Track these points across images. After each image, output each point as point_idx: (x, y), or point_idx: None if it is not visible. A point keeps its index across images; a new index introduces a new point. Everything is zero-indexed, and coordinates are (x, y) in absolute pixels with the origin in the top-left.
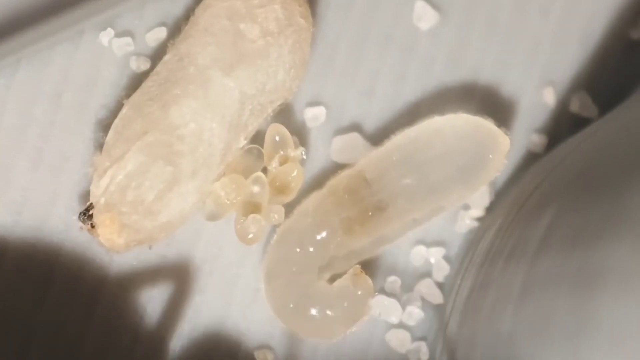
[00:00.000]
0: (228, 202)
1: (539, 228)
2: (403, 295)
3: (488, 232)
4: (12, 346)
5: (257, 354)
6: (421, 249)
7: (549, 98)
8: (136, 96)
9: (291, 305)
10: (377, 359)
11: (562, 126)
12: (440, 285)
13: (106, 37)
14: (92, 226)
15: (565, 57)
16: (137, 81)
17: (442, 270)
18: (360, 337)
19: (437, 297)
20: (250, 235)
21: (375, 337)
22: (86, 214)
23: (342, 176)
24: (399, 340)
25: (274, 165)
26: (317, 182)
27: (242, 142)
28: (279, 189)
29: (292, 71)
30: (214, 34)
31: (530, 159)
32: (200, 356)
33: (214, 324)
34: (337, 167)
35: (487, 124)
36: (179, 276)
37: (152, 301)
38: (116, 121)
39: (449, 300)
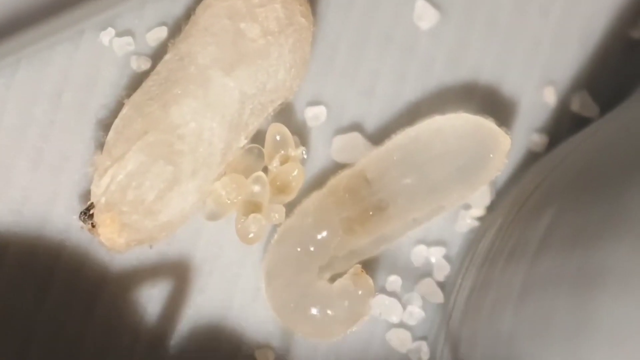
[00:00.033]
0: (228, 202)
1: (539, 228)
2: (404, 294)
3: (488, 231)
4: (13, 345)
5: (257, 354)
6: (422, 248)
7: (550, 97)
8: (137, 96)
9: (292, 305)
10: (378, 358)
11: (563, 126)
12: (440, 285)
13: (107, 36)
14: (93, 226)
15: (566, 56)
16: (137, 81)
17: (442, 270)
18: (360, 336)
19: (437, 297)
20: (251, 235)
21: (376, 336)
22: (87, 214)
23: (343, 176)
24: (400, 340)
25: (274, 165)
26: (318, 182)
27: (243, 141)
28: (280, 189)
29: (292, 70)
30: (215, 33)
31: (531, 159)
32: (201, 355)
33: (214, 323)
34: (337, 167)
35: (487, 124)
36: (179, 275)
37: (152, 300)
38: (117, 121)
39: (449, 299)
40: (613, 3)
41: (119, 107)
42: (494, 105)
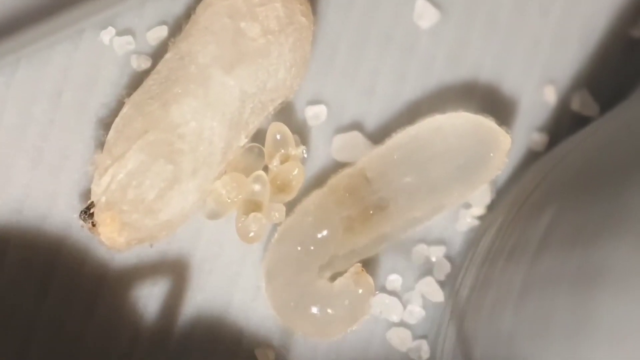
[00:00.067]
0: (229, 201)
1: (540, 227)
2: (404, 293)
3: (489, 230)
4: (13, 344)
5: (257, 352)
6: (422, 247)
7: (550, 96)
8: (137, 95)
9: (292, 304)
10: (378, 357)
11: (563, 124)
12: (441, 284)
13: (107, 35)
14: (93, 225)
15: (566, 55)
16: (137, 80)
17: (443, 269)
18: (361, 335)
19: (438, 296)
20: (251, 234)
21: (376, 335)
22: (87, 213)
23: (343, 175)
24: (400, 339)
25: (274, 164)
26: (318, 181)
27: (243, 140)
28: (280, 188)
29: (292, 69)
30: (215, 32)
31: (531, 158)
32: (201, 354)
33: (214, 322)
34: (337, 166)
35: (487, 123)
36: (179, 274)
37: (152, 299)
38: (117, 120)
39: (449, 299)
40: (613, 2)
41: (119, 106)
42: (494, 104)
